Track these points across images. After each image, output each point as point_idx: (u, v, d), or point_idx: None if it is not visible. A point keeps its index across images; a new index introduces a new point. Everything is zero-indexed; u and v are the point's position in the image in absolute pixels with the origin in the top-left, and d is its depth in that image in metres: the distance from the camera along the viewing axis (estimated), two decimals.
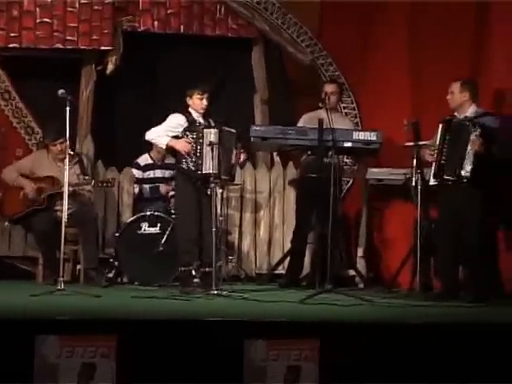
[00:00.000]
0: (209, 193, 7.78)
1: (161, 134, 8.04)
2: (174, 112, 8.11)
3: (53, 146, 8.57)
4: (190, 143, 7.92)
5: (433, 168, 7.92)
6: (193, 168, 7.91)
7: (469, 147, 7.64)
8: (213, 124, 8.04)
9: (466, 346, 5.78)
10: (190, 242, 7.95)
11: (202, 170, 7.82)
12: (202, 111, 8.10)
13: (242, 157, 8.25)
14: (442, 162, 7.79)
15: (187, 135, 7.97)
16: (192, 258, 7.96)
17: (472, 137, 7.62)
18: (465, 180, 7.63)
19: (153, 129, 8.07)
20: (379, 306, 7.28)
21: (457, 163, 7.70)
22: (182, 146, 7.95)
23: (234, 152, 8.05)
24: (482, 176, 7.65)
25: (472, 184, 7.63)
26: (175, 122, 8.04)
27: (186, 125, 8.01)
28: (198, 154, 7.87)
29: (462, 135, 7.71)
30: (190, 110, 8.10)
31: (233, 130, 8.04)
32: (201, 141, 7.86)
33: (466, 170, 7.63)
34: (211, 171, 7.75)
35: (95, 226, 8.66)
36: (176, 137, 7.99)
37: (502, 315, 7.03)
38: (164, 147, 8.16)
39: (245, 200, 9.55)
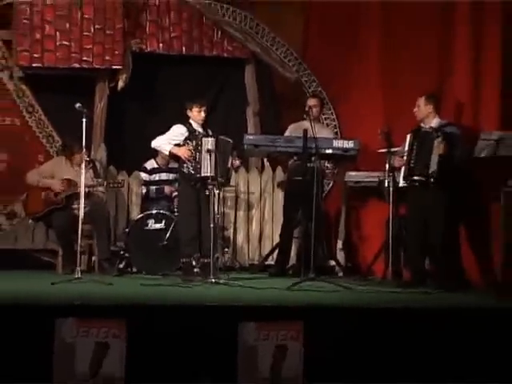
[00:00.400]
0: (207, 193, 7.78)
1: (165, 142, 8.05)
2: (176, 122, 8.13)
3: (78, 154, 8.54)
4: (190, 150, 7.94)
5: (403, 171, 7.99)
6: (193, 171, 7.93)
7: (433, 151, 7.70)
8: (210, 133, 8.06)
9: (431, 326, 5.81)
10: (190, 236, 7.96)
11: (200, 173, 7.84)
12: (200, 122, 8.13)
13: (237, 163, 8.27)
14: (411, 165, 7.87)
15: (188, 143, 7.99)
16: (192, 251, 7.96)
17: (436, 142, 7.68)
18: (431, 179, 7.68)
19: (158, 137, 8.08)
20: (356, 292, 7.29)
21: (424, 165, 7.77)
22: (183, 152, 7.97)
23: (230, 158, 8.07)
24: (446, 176, 7.70)
25: (437, 184, 7.67)
26: (177, 131, 8.06)
27: (186, 134, 8.03)
28: (197, 160, 7.89)
29: (428, 142, 7.79)
30: (190, 121, 8.12)
31: (230, 140, 8.06)
32: (199, 148, 7.88)
33: (432, 170, 7.68)
34: (209, 174, 7.77)
35: (107, 222, 8.67)
36: (178, 144, 8.01)
37: (461, 300, 7.07)
38: (167, 153, 8.18)
39: (239, 200, 9.56)
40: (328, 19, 9.70)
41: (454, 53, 8.67)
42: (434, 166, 7.69)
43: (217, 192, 7.94)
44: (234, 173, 8.84)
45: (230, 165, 8.10)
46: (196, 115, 8.11)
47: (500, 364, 5.74)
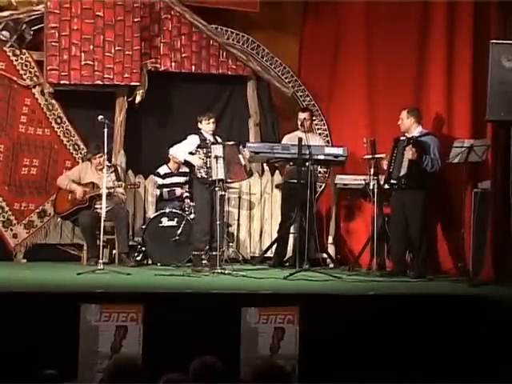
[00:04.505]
0: (219, 194, 7.81)
1: (181, 150, 8.18)
2: (187, 133, 8.22)
3: (93, 159, 8.61)
4: (201, 159, 7.98)
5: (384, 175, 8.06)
6: (205, 176, 7.97)
7: (405, 157, 7.76)
8: (220, 141, 8.14)
9: (410, 310, 5.82)
10: (204, 233, 7.98)
11: (212, 177, 7.86)
12: (210, 132, 8.21)
13: (246, 153, 8.40)
14: (390, 170, 7.94)
15: (199, 151, 8.04)
16: (204, 246, 8.00)
17: (407, 149, 7.73)
18: (403, 181, 7.75)
19: (175, 145, 8.23)
20: (345, 281, 7.30)
21: (398, 170, 7.84)
22: (195, 161, 8.05)
23: (241, 156, 8.17)
24: (416, 178, 7.72)
25: (409, 185, 7.72)
26: (192, 141, 8.15)
27: (199, 142, 8.09)
28: (209, 165, 7.92)
29: (401, 149, 7.86)
30: (201, 131, 8.20)
31: (233, 143, 8.18)
32: (210, 154, 7.91)
33: (403, 173, 7.75)
34: (219, 177, 7.78)
35: (127, 220, 8.66)
36: (191, 152, 8.08)
37: (437, 288, 7.10)
38: (183, 161, 8.35)
39: (242, 200, 9.53)
40: (319, 41, 9.70)
41: (429, 69, 8.68)
42: (404, 170, 7.78)
43: (224, 193, 7.96)
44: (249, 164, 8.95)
45: (243, 161, 8.18)
46: (206, 126, 8.18)
47: (469, 341, 5.77)
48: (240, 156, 8.19)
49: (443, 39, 8.53)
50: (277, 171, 9.52)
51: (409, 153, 7.76)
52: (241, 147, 8.43)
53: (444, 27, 8.54)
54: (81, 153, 9.10)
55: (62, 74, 8.90)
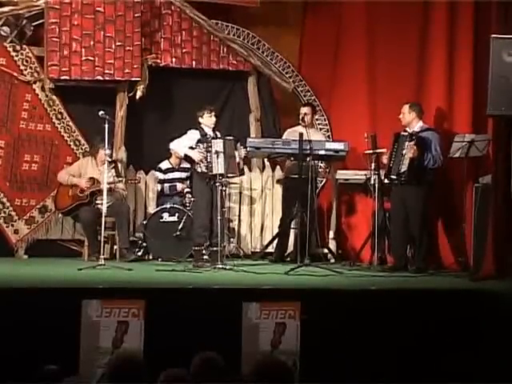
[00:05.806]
0: (219, 189, 7.81)
1: (181, 145, 8.20)
2: (187, 128, 8.24)
3: (102, 149, 8.45)
4: (202, 153, 7.98)
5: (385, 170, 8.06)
6: (205, 170, 7.97)
7: (405, 153, 7.76)
8: (219, 135, 8.14)
9: (411, 305, 5.82)
10: (203, 228, 8.00)
11: (212, 171, 7.86)
12: (211, 126, 8.24)
13: (242, 152, 8.32)
14: (390, 165, 7.95)
15: (199, 146, 8.04)
16: (204, 241, 8.00)
17: (408, 146, 7.73)
18: (403, 178, 7.76)
19: (176, 140, 8.26)
20: (346, 276, 7.30)
21: (397, 166, 7.86)
22: (195, 156, 8.05)
23: (237, 153, 8.13)
24: (417, 175, 7.72)
25: (410, 182, 7.73)
26: (192, 135, 8.16)
27: (199, 137, 8.10)
28: (209, 160, 7.92)
29: (402, 145, 7.85)
30: (202, 126, 8.21)
31: (232, 138, 8.15)
32: (210, 149, 7.91)
33: (403, 170, 7.74)
34: (219, 172, 7.80)
35: (127, 215, 8.65)
36: (191, 147, 8.09)
37: (438, 283, 7.10)
38: (183, 155, 8.34)
39: (243, 195, 9.53)
40: (320, 37, 9.68)
41: (430, 66, 8.67)
42: (404, 167, 7.79)
43: (224, 188, 7.96)
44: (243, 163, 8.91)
45: (238, 158, 8.17)
46: (208, 120, 8.21)
47: (470, 336, 5.77)
48: (236, 152, 8.19)
49: (444, 37, 8.53)
50: (278, 166, 9.51)
51: (410, 151, 7.75)
52: (238, 144, 8.41)
53: (445, 26, 8.53)
54: (81, 148, 9.10)
55: (63, 69, 8.90)
